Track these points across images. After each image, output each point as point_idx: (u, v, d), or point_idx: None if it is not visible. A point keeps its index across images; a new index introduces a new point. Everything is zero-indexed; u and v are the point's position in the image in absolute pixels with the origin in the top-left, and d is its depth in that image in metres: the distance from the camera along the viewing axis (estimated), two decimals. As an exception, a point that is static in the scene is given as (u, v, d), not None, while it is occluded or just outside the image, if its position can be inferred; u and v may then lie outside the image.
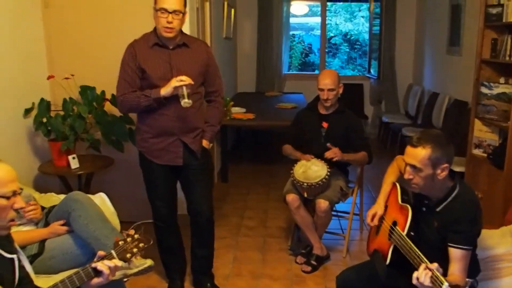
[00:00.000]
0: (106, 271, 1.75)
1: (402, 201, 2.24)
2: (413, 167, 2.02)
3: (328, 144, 3.35)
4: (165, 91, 2.62)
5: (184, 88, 2.56)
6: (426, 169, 2.00)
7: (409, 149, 2.05)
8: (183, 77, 2.58)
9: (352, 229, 3.79)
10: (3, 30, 3.30)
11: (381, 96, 7.72)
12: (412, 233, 2.07)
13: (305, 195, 3.34)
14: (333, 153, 3.29)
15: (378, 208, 2.33)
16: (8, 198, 1.59)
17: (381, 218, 2.31)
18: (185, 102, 2.57)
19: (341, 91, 3.46)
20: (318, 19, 8.25)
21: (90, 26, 3.86)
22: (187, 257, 3.18)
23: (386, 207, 2.33)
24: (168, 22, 2.61)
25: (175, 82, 2.58)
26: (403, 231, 2.08)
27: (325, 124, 3.49)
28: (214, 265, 3.19)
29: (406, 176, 2.07)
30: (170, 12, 2.59)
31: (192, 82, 2.60)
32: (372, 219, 2.31)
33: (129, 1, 3.81)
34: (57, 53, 3.89)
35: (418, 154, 2.00)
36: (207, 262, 3.12)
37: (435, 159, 1.99)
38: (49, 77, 3.67)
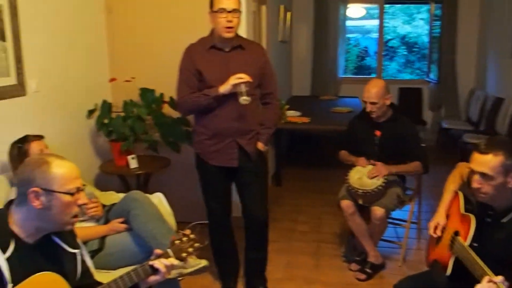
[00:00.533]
0: (162, 269, 1.78)
1: (465, 210, 2.15)
2: (483, 175, 1.92)
3: (371, 161, 3.27)
4: (223, 88, 2.66)
5: (243, 85, 2.59)
6: (498, 177, 1.90)
7: (477, 156, 1.95)
8: (241, 75, 2.61)
9: (409, 237, 3.69)
10: (69, 35, 3.45)
11: (441, 101, 7.47)
12: (475, 244, 1.98)
13: (360, 202, 3.28)
14: (377, 171, 3.21)
15: (440, 218, 2.25)
16: (72, 194, 1.65)
17: (442, 228, 2.23)
18: (244, 99, 2.59)
19: (388, 102, 3.33)
20: (375, 22, 8.11)
21: (150, 31, 3.97)
22: (241, 259, 3.20)
23: (447, 216, 2.25)
24: (228, 21, 2.64)
25: (233, 80, 2.61)
26: (466, 241, 2.00)
27: (378, 133, 3.40)
28: (267, 269, 3.18)
29: (474, 185, 1.97)
30: (229, 12, 2.63)
31: (251, 80, 2.63)
32: (435, 230, 2.23)
33: (188, 7, 3.89)
34: (118, 56, 4.02)
35: (489, 161, 1.90)
36: (261, 265, 3.13)
37: (508, 166, 1.89)
38: (111, 80, 3.80)
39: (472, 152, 2.00)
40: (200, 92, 2.75)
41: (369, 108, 3.29)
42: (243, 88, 2.59)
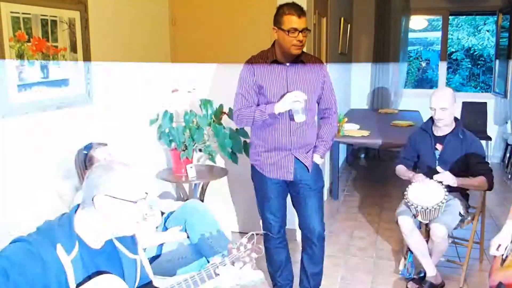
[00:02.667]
0: (224, 275, 1.84)
1: (533, 232, 2.05)
2: None
3: (438, 168, 3.17)
4: (279, 107, 2.67)
5: (298, 103, 2.59)
6: None
7: None
8: (298, 92, 2.61)
9: (471, 258, 3.53)
10: (134, 46, 3.59)
11: (507, 116, 7.15)
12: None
13: (420, 218, 3.18)
14: (443, 177, 3.11)
15: (503, 238, 2.15)
16: (135, 202, 1.70)
17: (508, 249, 2.13)
18: (299, 117, 2.59)
19: (456, 111, 3.25)
20: (437, 34, 7.89)
21: (211, 42, 4.06)
22: (295, 272, 3.18)
23: (514, 237, 2.15)
24: (299, 41, 2.65)
25: (290, 98, 2.61)
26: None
27: (439, 146, 3.31)
28: (322, 283, 3.15)
29: None
30: (300, 31, 2.64)
31: (306, 97, 2.62)
32: (498, 249, 2.14)
33: (249, 20, 3.95)
34: (181, 67, 4.14)
35: None
36: (317, 279, 3.09)
37: None
38: (173, 91, 3.91)
39: None
40: (256, 107, 2.78)
41: (438, 115, 3.22)
42: (299, 106, 2.59)
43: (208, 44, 4.06)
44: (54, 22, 2.74)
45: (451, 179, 3.10)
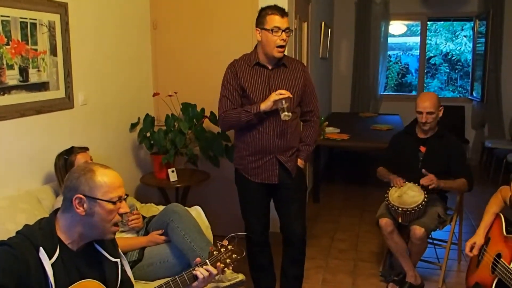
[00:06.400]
0: (200, 275, 1.84)
1: (507, 232, 2.10)
2: None
3: (424, 170, 3.23)
4: (265, 105, 2.68)
5: (284, 101, 2.61)
6: None
7: None
8: (282, 91, 2.63)
9: (449, 259, 3.59)
10: (115, 51, 3.57)
11: (484, 120, 7.29)
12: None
13: (400, 220, 3.23)
14: (429, 180, 3.16)
15: (477, 238, 2.20)
16: (114, 203, 1.70)
17: (483, 250, 2.18)
18: (285, 115, 2.60)
19: (441, 114, 3.33)
20: (416, 39, 8.01)
21: (193, 47, 4.06)
22: (277, 275, 3.19)
23: (488, 238, 2.20)
24: (282, 40, 2.67)
25: (274, 96, 2.63)
26: (510, 263, 1.94)
27: (423, 149, 3.36)
28: (303, 286, 3.16)
29: None
30: (283, 30, 2.66)
31: (291, 96, 2.65)
32: (471, 249, 2.18)
33: (230, 24, 3.96)
34: (162, 71, 4.13)
35: None
36: (297, 282, 3.11)
37: None
38: (154, 94, 3.90)
39: None
40: (241, 108, 2.79)
41: (425, 118, 3.27)
42: (284, 104, 2.61)
43: (190, 47, 4.07)
44: (33, 25, 2.72)
45: (436, 182, 3.15)
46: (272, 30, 2.66)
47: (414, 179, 3.26)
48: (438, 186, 3.17)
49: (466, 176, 3.29)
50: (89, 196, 1.66)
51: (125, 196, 1.75)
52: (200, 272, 1.86)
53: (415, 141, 3.40)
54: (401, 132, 3.61)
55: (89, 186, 1.66)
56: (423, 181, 3.18)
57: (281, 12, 2.69)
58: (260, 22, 2.72)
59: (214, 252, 1.92)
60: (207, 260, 1.89)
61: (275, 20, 2.66)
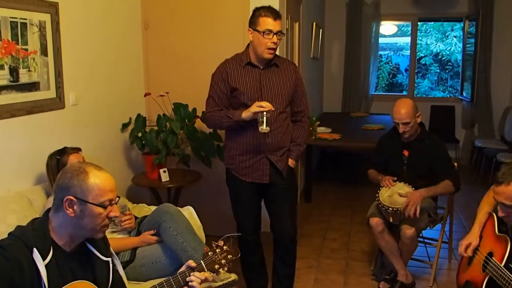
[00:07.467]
0: (197, 286, 1.82)
1: (499, 231, 2.12)
2: (503, 205, 1.92)
3: (397, 179, 3.23)
4: (245, 114, 2.68)
5: (264, 113, 2.58)
6: None
7: (494, 186, 1.96)
8: (264, 103, 2.61)
9: (440, 257, 3.62)
10: (106, 50, 3.56)
11: (474, 120, 7.35)
12: (510, 265, 1.95)
13: (390, 220, 3.24)
14: (411, 201, 3.08)
15: (472, 238, 2.22)
16: (105, 207, 1.68)
17: (475, 249, 2.20)
18: (263, 128, 2.58)
19: (419, 120, 3.29)
20: (407, 39, 8.06)
21: (184, 47, 4.06)
22: (269, 275, 3.20)
23: (481, 237, 2.22)
24: (273, 43, 2.68)
25: (255, 108, 2.62)
26: (501, 262, 1.96)
27: (406, 152, 3.36)
28: (294, 285, 3.17)
29: (500, 214, 1.98)
30: (275, 33, 2.67)
31: (273, 108, 2.63)
32: (466, 250, 2.20)
33: (222, 24, 3.96)
34: (154, 71, 4.12)
35: (505, 191, 1.90)
36: (289, 281, 3.11)
37: None
38: (146, 94, 3.89)
39: None
40: (225, 112, 2.79)
41: (402, 129, 3.24)
42: (264, 117, 2.57)
43: (181, 47, 4.06)
44: (24, 25, 2.70)
45: (418, 198, 3.09)
46: (263, 32, 2.67)
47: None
48: (420, 200, 3.10)
49: (451, 176, 3.27)
50: (80, 198, 1.64)
51: (117, 199, 1.74)
52: (196, 276, 1.84)
53: (398, 145, 3.39)
54: (386, 135, 3.58)
55: (81, 188, 1.64)
56: (407, 213, 3.09)
57: (275, 14, 2.69)
58: (252, 22, 2.73)
59: (209, 253, 1.91)
60: (201, 262, 1.88)
61: (267, 23, 2.66)
